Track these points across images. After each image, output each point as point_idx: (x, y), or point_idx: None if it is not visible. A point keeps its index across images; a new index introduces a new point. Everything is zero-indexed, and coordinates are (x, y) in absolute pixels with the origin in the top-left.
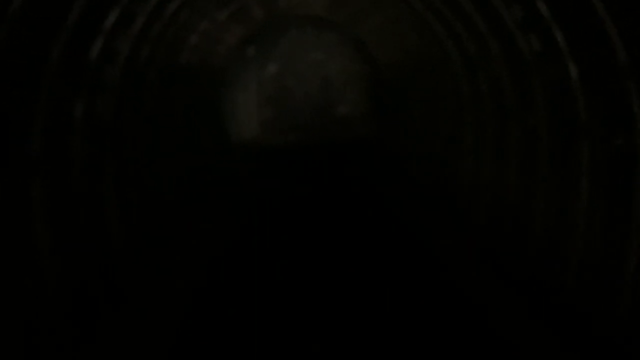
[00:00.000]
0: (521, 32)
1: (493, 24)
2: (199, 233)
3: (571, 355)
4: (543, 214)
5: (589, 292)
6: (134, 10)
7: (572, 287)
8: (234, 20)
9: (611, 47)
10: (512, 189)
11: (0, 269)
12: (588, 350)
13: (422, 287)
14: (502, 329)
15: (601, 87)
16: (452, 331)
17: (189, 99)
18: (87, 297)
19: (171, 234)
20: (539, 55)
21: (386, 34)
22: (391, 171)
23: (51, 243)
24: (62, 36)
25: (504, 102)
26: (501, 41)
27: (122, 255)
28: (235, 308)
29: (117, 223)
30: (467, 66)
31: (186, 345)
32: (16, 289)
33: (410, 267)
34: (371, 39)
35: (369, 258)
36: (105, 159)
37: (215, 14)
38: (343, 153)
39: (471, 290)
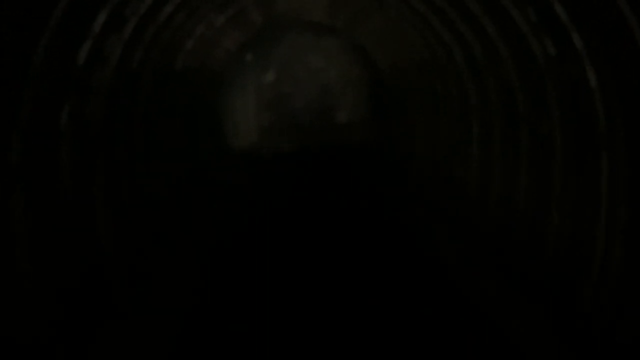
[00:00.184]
0: (535, 35)
1: (503, 26)
2: (195, 240)
3: None
4: (558, 226)
5: (609, 304)
6: (125, 12)
7: (590, 298)
8: (232, 24)
9: (636, 51)
10: (523, 200)
11: None
12: None
13: (427, 295)
14: (514, 339)
15: (623, 95)
16: (461, 341)
17: (185, 103)
18: (77, 307)
19: (167, 241)
20: (553, 60)
21: (386, 39)
22: (393, 178)
23: (34, 254)
24: (45, 38)
25: (514, 109)
26: (512, 45)
27: (114, 264)
28: (234, 316)
29: (109, 230)
30: (474, 71)
31: (183, 353)
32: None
33: (414, 275)
34: (371, 44)
35: (370, 266)
36: (96, 164)
37: (213, 18)
38: (343, 159)
39: (479, 298)
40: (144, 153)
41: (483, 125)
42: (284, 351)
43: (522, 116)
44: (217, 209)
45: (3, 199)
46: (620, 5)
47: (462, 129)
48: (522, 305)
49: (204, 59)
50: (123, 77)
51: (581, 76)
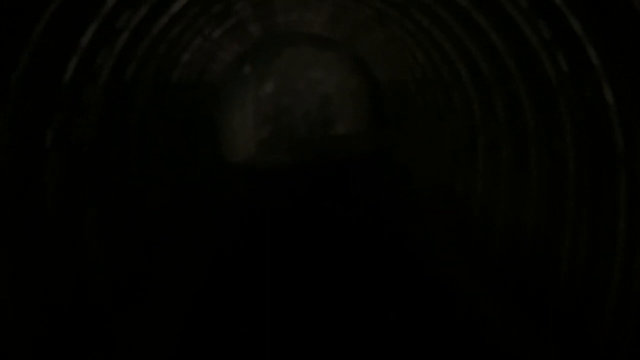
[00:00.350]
0: (547, 50)
1: (512, 41)
2: (193, 254)
3: None
4: (571, 249)
5: (630, 331)
6: (116, 25)
7: (609, 325)
8: (230, 37)
9: None
10: (533, 219)
11: None
12: None
13: (426, 313)
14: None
15: None
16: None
17: (182, 117)
18: (65, 327)
19: (164, 256)
20: (566, 76)
21: (387, 53)
22: (393, 192)
23: (16, 275)
24: (25, 55)
25: (522, 126)
26: (521, 60)
27: (104, 280)
28: (229, 333)
29: (99, 249)
30: (480, 86)
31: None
32: None
33: (414, 292)
34: (371, 58)
35: (369, 281)
36: (85, 185)
37: (210, 31)
38: (342, 172)
39: (483, 323)
40: (139, 168)
41: (489, 142)
42: None
43: (532, 133)
44: (214, 223)
45: None
46: None
47: (466, 144)
48: (531, 332)
49: (201, 72)
50: (115, 93)
51: (597, 93)
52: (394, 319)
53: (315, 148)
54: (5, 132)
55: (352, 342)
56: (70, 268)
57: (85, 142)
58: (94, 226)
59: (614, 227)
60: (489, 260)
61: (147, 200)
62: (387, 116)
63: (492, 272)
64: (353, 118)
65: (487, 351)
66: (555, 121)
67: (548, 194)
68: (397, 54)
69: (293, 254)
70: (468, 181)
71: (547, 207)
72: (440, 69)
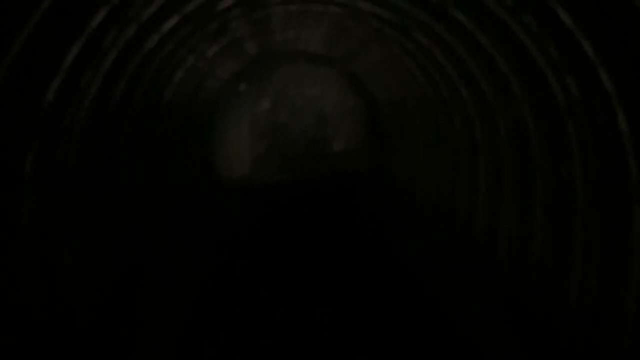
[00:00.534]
0: (555, 73)
1: (517, 63)
2: (186, 276)
3: None
4: (580, 279)
5: None
6: (102, 44)
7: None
8: (225, 55)
9: None
10: (538, 248)
11: None
12: None
13: (425, 337)
14: None
15: None
16: None
17: (175, 136)
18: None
19: (155, 280)
20: (576, 101)
21: (385, 71)
22: (391, 211)
23: None
24: (1, 74)
25: (527, 151)
26: (527, 82)
27: (90, 306)
28: (223, 355)
29: (84, 276)
30: (482, 108)
31: None
32: None
33: (413, 316)
34: (368, 76)
35: (367, 302)
36: (67, 212)
37: (204, 48)
38: (339, 191)
39: (486, 350)
40: (129, 192)
41: (491, 164)
42: None
43: (537, 159)
44: (208, 243)
45: None
46: None
47: (467, 166)
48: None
49: (196, 90)
50: (102, 115)
51: (609, 119)
52: (390, 345)
53: (312, 167)
54: None
55: None
56: (49, 296)
57: (68, 168)
58: (74, 254)
59: (627, 257)
60: (491, 286)
61: (137, 222)
62: (385, 135)
63: (494, 299)
64: (350, 136)
65: None
66: (563, 148)
67: (555, 220)
68: (396, 72)
69: (289, 274)
70: (470, 204)
71: (554, 233)
72: (440, 88)
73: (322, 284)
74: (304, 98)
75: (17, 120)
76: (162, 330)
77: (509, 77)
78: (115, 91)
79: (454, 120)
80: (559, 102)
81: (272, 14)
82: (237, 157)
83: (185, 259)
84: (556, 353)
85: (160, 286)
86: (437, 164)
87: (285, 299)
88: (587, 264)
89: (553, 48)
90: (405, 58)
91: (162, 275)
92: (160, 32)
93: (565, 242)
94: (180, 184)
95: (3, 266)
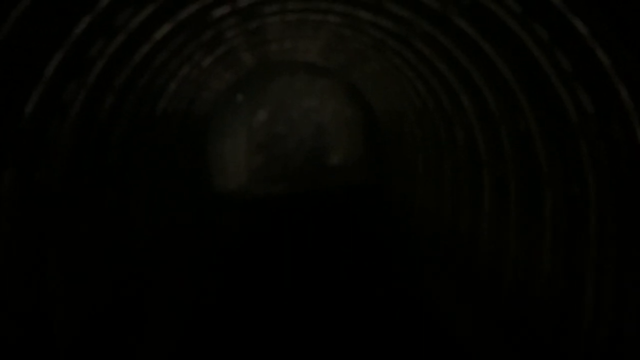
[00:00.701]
0: (567, 86)
1: (525, 75)
2: (181, 290)
3: None
4: (594, 307)
5: None
6: (89, 53)
7: None
8: (221, 65)
9: None
10: (547, 270)
11: None
12: None
13: (425, 358)
14: None
15: None
16: None
17: (169, 149)
18: None
19: (150, 294)
20: (590, 116)
21: (384, 82)
22: (388, 223)
23: None
24: None
25: (535, 167)
26: (534, 95)
27: (78, 325)
28: None
29: (70, 296)
30: (485, 119)
31: None
32: None
33: (411, 335)
34: (367, 85)
35: (363, 319)
36: (49, 230)
37: (199, 59)
38: (336, 202)
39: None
40: (118, 206)
41: (496, 180)
42: None
43: (546, 176)
44: (204, 256)
45: None
46: None
47: (470, 181)
48: None
49: (190, 102)
50: (88, 129)
51: (626, 136)
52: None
53: (309, 178)
54: None
55: None
56: (33, 318)
57: (51, 186)
58: (58, 283)
59: None
60: (496, 310)
61: (128, 242)
62: (384, 147)
63: (499, 324)
64: (348, 148)
65: None
66: (575, 165)
67: (566, 241)
68: (396, 83)
69: (286, 285)
70: (473, 221)
71: (565, 255)
72: (441, 99)
73: (319, 296)
74: (301, 109)
75: None
76: (153, 347)
77: (514, 88)
78: (103, 104)
79: (456, 133)
80: (569, 115)
81: (268, 24)
82: (233, 169)
83: (181, 274)
84: None
85: (156, 302)
86: (438, 178)
87: (282, 310)
88: (601, 287)
89: (564, 59)
90: (405, 68)
91: (157, 291)
92: (151, 41)
93: (577, 264)
94: (174, 199)
95: None
